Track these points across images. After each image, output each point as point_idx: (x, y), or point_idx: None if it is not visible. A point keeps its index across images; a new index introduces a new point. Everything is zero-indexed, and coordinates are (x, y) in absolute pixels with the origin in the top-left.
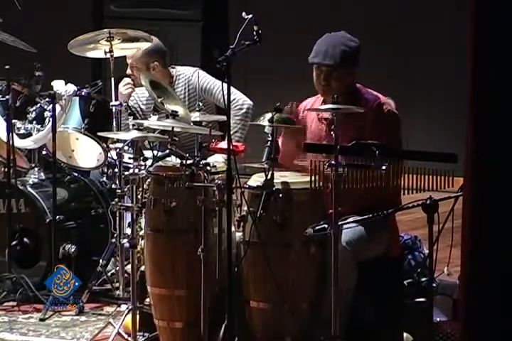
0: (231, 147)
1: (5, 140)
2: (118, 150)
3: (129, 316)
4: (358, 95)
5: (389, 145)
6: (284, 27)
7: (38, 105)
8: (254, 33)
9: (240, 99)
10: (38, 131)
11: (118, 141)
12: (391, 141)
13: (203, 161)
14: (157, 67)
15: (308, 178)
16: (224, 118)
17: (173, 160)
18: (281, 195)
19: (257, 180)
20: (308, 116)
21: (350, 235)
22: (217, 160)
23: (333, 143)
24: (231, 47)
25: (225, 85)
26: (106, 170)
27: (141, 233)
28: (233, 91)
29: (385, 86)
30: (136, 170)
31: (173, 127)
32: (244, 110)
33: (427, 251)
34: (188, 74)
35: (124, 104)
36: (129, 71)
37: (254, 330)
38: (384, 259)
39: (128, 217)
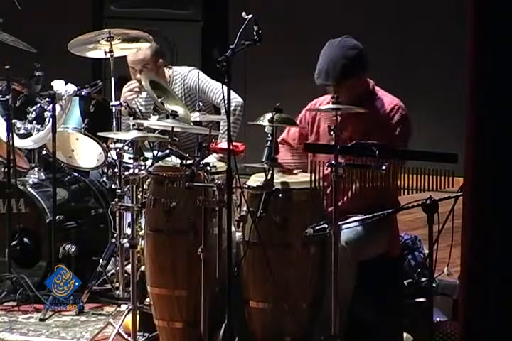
0: (231, 147)
1: (5, 140)
2: (118, 150)
3: (129, 316)
4: (374, 97)
5: (396, 147)
6: (284, 27)
7: (38, 105)
8: (254, 33)
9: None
10: (38, 131)
11: (118, 141)
12: (399, 145)
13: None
14: (162, 64)
15: (308, 178)
16: (220, 117)
17: (173, 160)
18: (281, 195)
19: (256, 180)
20: (322, 114)
21: (349, 235)
22: (211, 160)
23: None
24: (231, 47)
25: (224, 85)
26: (106, 170)
27: (141, 233)
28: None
29: (384, 86)
30: (136, 170)
31: (173, 127)
32: (232, 108)
33: (427, 251)
34: (183, 74)
35: (124, 104)
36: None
37: (253, 330)
38: (384, 259)
39: (128, 217)
